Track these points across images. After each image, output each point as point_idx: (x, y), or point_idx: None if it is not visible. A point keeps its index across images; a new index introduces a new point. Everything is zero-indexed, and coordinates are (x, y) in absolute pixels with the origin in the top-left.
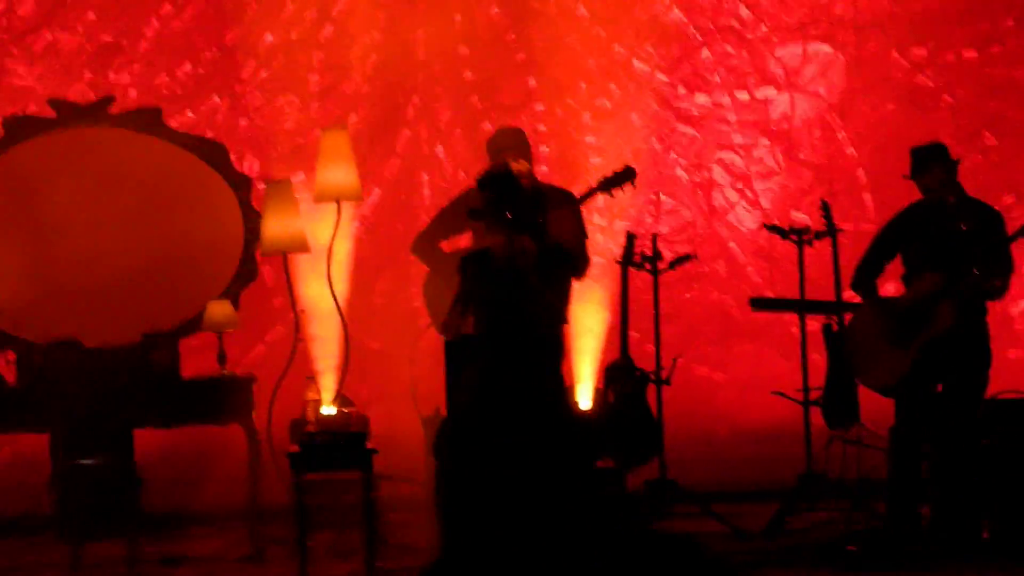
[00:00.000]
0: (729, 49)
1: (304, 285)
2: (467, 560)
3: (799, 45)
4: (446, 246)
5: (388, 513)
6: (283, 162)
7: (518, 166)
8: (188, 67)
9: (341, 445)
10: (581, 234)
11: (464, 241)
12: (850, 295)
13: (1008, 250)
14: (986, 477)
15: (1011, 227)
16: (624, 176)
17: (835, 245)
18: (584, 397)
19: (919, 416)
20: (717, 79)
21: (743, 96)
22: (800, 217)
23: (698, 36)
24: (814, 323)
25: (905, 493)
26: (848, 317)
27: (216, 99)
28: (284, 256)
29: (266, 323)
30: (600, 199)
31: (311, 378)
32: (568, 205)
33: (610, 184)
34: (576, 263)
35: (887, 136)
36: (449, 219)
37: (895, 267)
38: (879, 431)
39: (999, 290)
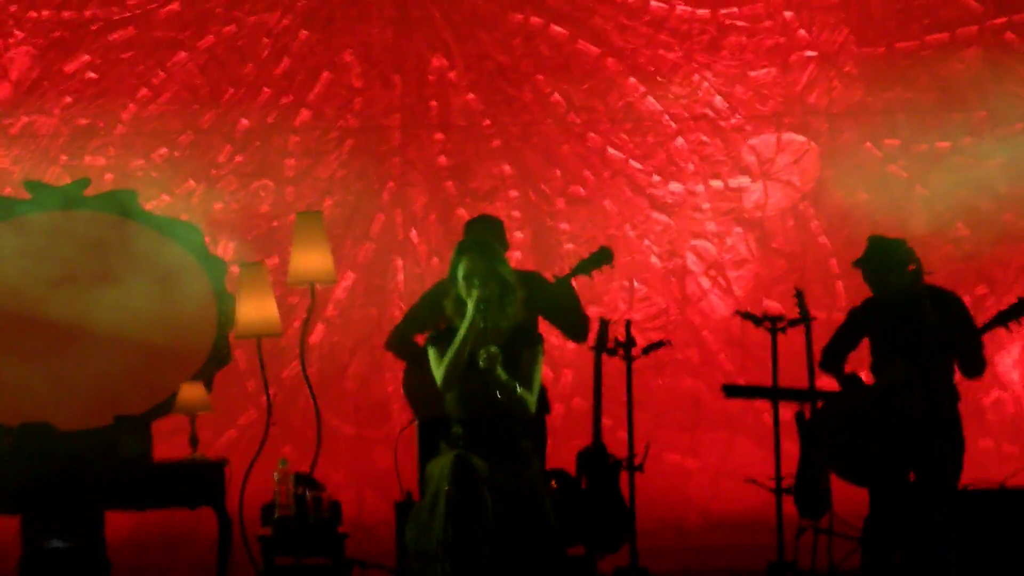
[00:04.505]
0: (703, 138)
1: (277, 369)
2: None
3: (773, 134)
4: (420, 340)
5: None
6: (257, 245)
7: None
8: (164, 151)
9: (312, 530)
10: (575, 299)
11: None
12: (823, 383)
13: (978, 337)
14: (959, 567)
15: (983, 316)
16: (601, 257)
17: (808, 333)
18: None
19: (893, 506)
20: (691, 167)
21: (717, 184)
22: (773, 305)
23: (673, 124)
24: (787, 411)
25: None
26: (820, 405)
27: (192, 183)
28: (258, 339)
29: (239, 406)
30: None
31: (283, 462)
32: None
33: (588, 266)
34: (577, 331)
35: (860, 225)
36: (421, 314)
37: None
38: (851, 520)
39: (981, 364)
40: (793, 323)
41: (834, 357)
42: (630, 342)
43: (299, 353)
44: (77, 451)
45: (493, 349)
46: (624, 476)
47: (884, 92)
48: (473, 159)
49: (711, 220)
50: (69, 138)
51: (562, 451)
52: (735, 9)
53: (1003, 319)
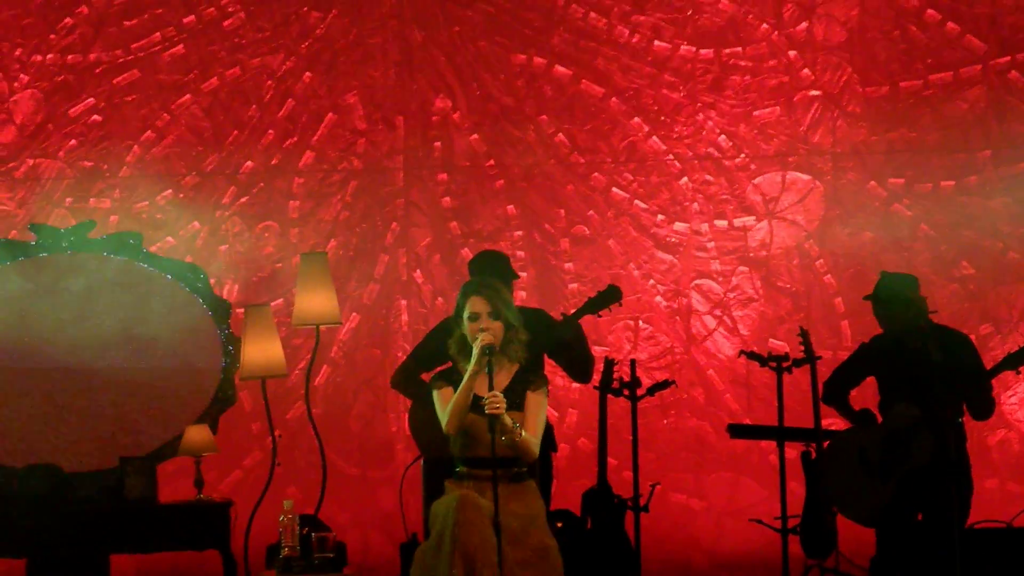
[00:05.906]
0: (708, 177)
1: (282, 410)
2: None
3: (777, 173)
4: (427, 377)
5: None
6: (262, 287)
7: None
8: (168, 193)
9: (317, 571)
10: (582, 339)
11: None
12: (828, 422)
13: (987, 380)
14: None
15: (988, 356)
16: (610, 296)
17: (814, 372)
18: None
19: (901, 547)
20: (696, 206)
21: (721, 224)
22: (778, 344)
23: (677, 164)
24: (792, 451)
25: None
26: (826, 445)
27: (196, 224)
28: (263, 381)
29: (244, 448)
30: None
31: (288, 503)
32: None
33: (596, 305)
34: (582, 373)
35: (865, 264)
36: (428, 352)
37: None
38: (858, 560)
39: (990, 407)
40: (798, 363)
41: (837, 390)
42: (635, 382)
43: (304, 394)
44: (82, 493)
45: (497, 394)
46: (629, 516)
47: (888, 131)
48: (477, 200)
49: (716, 259)
50: (74, 181)
51: (567, 491)
52: (738, 49)
53: (1012, 363)
